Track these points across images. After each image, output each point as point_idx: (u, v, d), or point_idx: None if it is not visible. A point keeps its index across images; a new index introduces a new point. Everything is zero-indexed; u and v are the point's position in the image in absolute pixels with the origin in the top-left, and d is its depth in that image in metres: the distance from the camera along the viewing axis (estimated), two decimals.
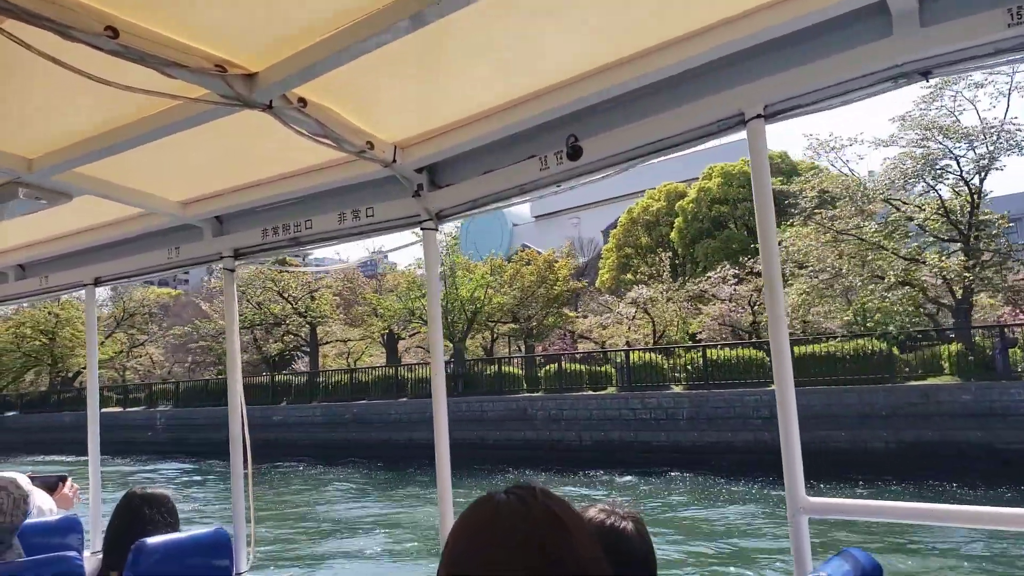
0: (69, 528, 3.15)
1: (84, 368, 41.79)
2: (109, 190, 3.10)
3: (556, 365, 26.59)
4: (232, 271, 3.59)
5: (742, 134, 2.14)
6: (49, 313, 42.74)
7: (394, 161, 2.74)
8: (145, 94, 2.01)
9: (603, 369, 25.70)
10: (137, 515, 2.66)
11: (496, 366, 28.40)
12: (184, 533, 2.66)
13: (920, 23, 1.84)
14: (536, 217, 58.26)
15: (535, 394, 25.78)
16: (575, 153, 2.42)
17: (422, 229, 2.95)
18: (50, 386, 45.18)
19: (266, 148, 2.82)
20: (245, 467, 3.39)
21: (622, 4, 1.97)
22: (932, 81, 2.28)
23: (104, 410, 34.42)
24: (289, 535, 14.64)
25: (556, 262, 33.61)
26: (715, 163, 33.42)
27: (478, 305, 30.11)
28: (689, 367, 23.76)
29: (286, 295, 35.32)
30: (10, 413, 42.46)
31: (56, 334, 43.13)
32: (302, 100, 2.28)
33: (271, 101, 2.17)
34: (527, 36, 2.11)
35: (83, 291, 4.20)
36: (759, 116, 2.08)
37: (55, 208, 3.10)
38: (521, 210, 59.74)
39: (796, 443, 1.99)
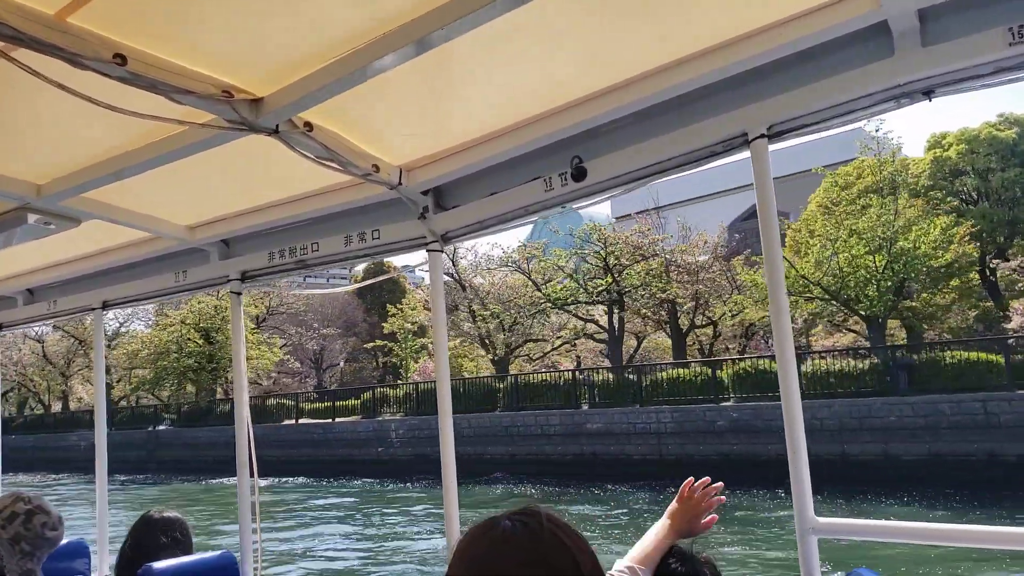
0: (75, 552, 3.21)
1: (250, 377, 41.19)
2: (117, 214, 3.11)
3: None
4: (239, 294, 3.57)
5: (746, 153, 2.12)
6: (215, 308, 39.18)
7: (400, 183, 2.73)
8: (153, 120, 2.05)
9: None
10: (151, 538, 2.66)
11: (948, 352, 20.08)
12: (191, 557, 2.65)
13: (922, 43, 1.84)
14: (617, 218, 56.22)
15: None
16: (580, 174, 2.41)
17: (428, 251, 2.92)
18: (208, 396, 41.33)
19: (272, 172, 2.84)
20: (252, 488, 3.37)
21: (625, 27, 1.97)
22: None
23: (305, 421, 34.19)
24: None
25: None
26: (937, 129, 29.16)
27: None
28: None
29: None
30: (161, 427, 40.32)
31: (219, 331, 39.26)
32: (308, 124, 2.29)
33: (277, 126, 2.20)
34: (531, 59, 2.12)
35: (92, 314, 4.22)
36: (763, 136, 2.08)
37: (63, 233, 3.13)
38: (598, 211, 58.10)
39: (804, 463, 1.96)
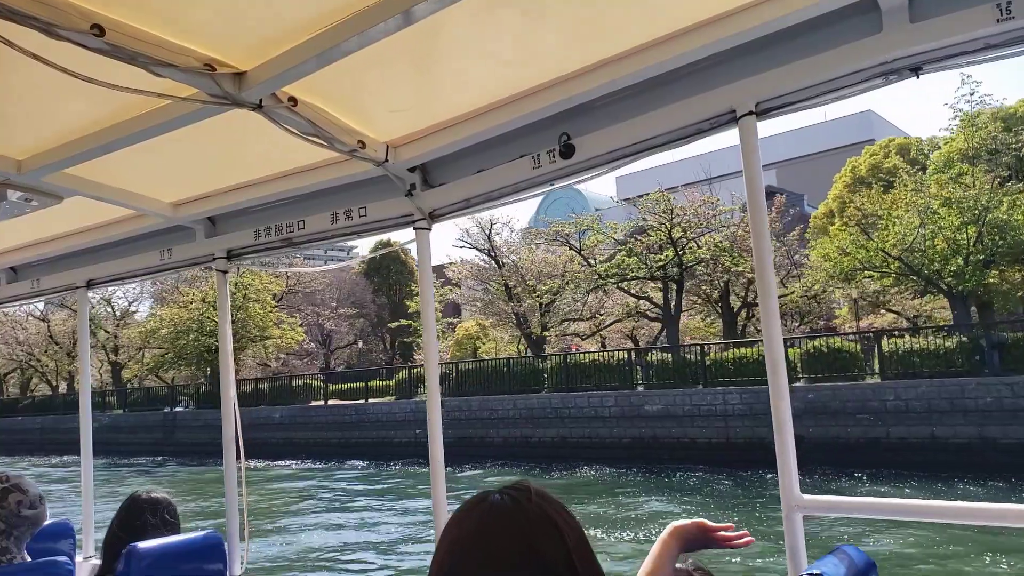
0: (60, 533, 3.20)
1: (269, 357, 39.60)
2: (100, 191, 3.05)
3: None
4: (225, 272, 3.53)
5: (734, 130, 2.12)
6: (235, 284, 36.87)
7: (386, 160, 2.70)
8: (133, 93, 2.01)
9: None
10: (138, 518, 2.65)
11: None
12: (177, 537, 2.64)
13: (910, 19, 1.83)
14: (623, 200, 55.42)
15: None
16: (568, 151, 2.39)
17: (415, 229, 2.88)
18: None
19: (257, 148, 2.78)
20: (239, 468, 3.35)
21: (612, 2, 1.94)
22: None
23: (335, 402, 32.94)
24: None
25: None
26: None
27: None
28: None
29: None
30: (179, 409, 38.71)
31: (240, 309, 37.31)
32: (292, 99, 2.26)
33: (261, 100, 2.16)
34: (519, 34, 2.09)
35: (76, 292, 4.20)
36: (751, 113, 2.07)
37: (46, 210, 3.12)
38: (606, 193, 57.48)
39: (790, 441, 1.98)
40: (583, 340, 33.74)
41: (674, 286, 25.74)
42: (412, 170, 2.78)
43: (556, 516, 0.99)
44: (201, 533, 2.68)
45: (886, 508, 2.07)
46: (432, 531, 2.83)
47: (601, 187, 69.98)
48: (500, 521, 0.98)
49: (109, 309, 48.09)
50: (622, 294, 28.03)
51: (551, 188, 2.59)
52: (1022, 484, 16.41)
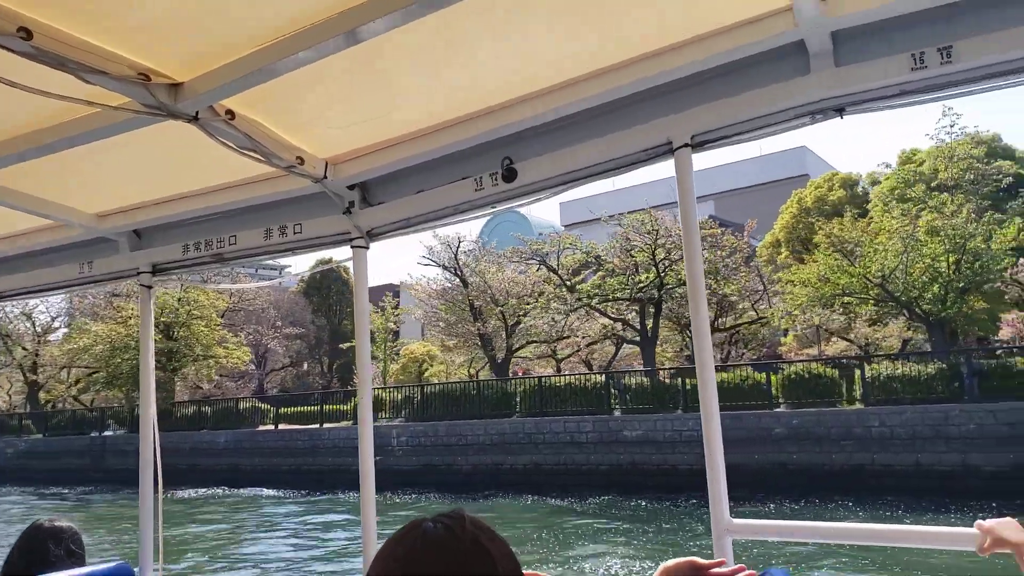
0: None
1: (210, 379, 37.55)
2: (15, 199, 2.89)
3: None
4: (149, 287, 3.39)
5: (670, 162, 2.17)
6: (179, 300, 35.74)
7: (325, 177, 2.65)
8: (61, 100, 1.94)
9: None
10: (40, 549, 2.49)
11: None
12: (83, 569, 2.47)
13: (835, 63, 1.93)
14: (566, 226, 55.99)
15: None
16: (510, 175, 2.41)
17: (352, 247, 2.83)
18: (168, 397, 37.06)
19: (190, 160, 2.69)
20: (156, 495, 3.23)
21: (557, 32, 1.98)
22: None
23: (287, 427, 31.12)
24: None
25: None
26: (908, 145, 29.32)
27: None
28: None
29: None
30: (108, 433, 36.17)
31: (184, 326, 35.81)
32: (230, 112, 2.20)
33: (197, 112, 2.10)
34: (464, 58, 2.10)
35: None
36: (686, 145, 2.12)
37: None
38: (549, 218, 59.83)
39: (721, 465, 2.00)
40: (530, 363, 33.14)
41: (651, 309, 25.40)
42: (351, 188, 2.74)
43: (489, 545, 0.97)
44: (109, 564, 2.52)
45: (817, 532, 2.07)
46: (361, 560, 2.78)
47: (544, 212, 70.62)
48: (432, 549, 0.95)
49: (28, 324, 44.58)
50: (595, 316, 27.53)
51: (493, 211, 2.60)
52: (1009, 510, 16.56)
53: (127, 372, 35.92)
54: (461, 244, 32.63)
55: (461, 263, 31.85)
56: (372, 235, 2.80)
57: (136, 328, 35.88)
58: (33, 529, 2.55)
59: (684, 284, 23.69)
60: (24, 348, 43.44)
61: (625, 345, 30.49)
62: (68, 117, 2.23)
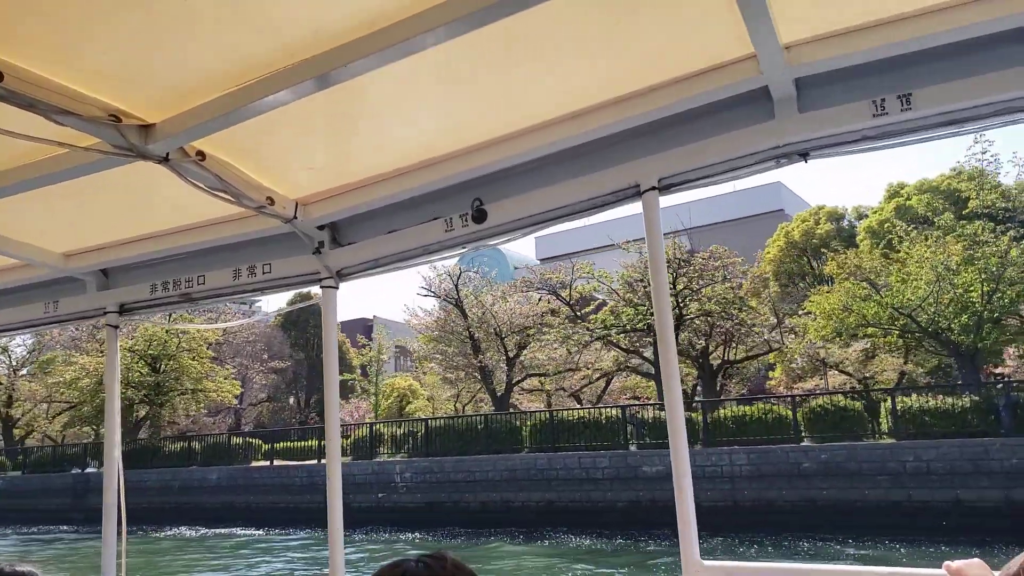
0: None
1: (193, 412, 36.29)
2: None
3: None
4: (116, 327, 3.33)
5: (638, 204, 2.21)
6: (167, 332, 34.01)
7: (295, 217, 2.65)
8: (29, 140, 1.95)
9: None
10: None
11: None
12: None
13: (798, 109, 1.98)
14: (542, 260, 55.68)
15: None
16: (480, 216, 2.43)
17: (322, 287, 2.84)
18: (155, 433, 35.67)
19: (159, 200, 2.69)
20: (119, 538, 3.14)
21: (524, 78, 2.02)
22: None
23: (282, 463, 29.98)
24: None
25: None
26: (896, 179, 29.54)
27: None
28: None
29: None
30: (91, 470, 34.01)
31: (174, 360, 34.49)
32: (200, 153, 2.21)
33: (168, 154, 2.10)
34: (433, 102, 2.13)
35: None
36: (654, 188, 2.16)
37: None
38: (524, 253, 59.92)
39: (691, 505, 1.99)
40: (521, 397, 32.28)
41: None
42: (321, 228, 2.75)
43: None
44: None
45: (787, 573, 2.05)
46: None
47: (519, 247, 70.19)
48: None
49: (3, 358, 42.83)
50: (606, 347, 26.72)
51: (463, 251, 2.61)
52: None
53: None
54: (461, 275, 31.85)
55: (461, 295, 30.99)
56: (342, 275, 2.81)
57: (123, 361, 34.50)
58: None
59: (706, 315, 23.07)
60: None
61: (616, 378, 29.81)
62: (38, 157, 2.22)
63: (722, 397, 25.06)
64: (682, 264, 23.47)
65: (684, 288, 23.59)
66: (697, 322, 23.72)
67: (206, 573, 19.00)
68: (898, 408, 19.87)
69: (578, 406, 28.17)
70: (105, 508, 3.13)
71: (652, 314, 22.28)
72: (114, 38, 1.71)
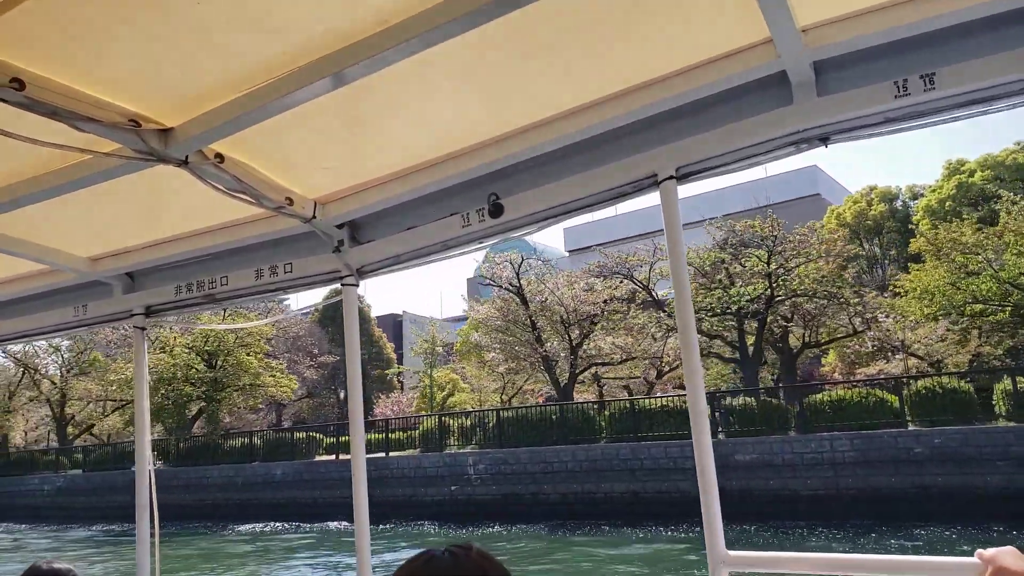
0: None
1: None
2: (11, 245, 2.96)
3: None
4: (143, 329, 3.43)
5: (655, 193, 2.19)
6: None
7: (314, 217, 2.70)
8: (54, 148, 1.99)
9: None
10: None
11: None
12: None
13: (817, 93, 1.95)
14: (570, 252, 54.27)
15: None
16: (497, 211, 2.45)
17: (342, 285, 2.87)
18: (214, 429, 35.32)
19: (181, 203, 2.76)
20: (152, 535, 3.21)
21: (538, 70, 2.03)
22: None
23: (347, 457, 29.84)
24: None
25: None
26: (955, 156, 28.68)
27: None
28: None
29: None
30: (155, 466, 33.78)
31: (231, 355, 34.35)
32: (219, 156, 2.25)
33: (187, 157, 2.14)
34: (448, 97, 2.15)
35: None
36: (671, 177, 2.15)
37: None
38: (553, 244, 59.59)
39: (715, 496, 2.00)
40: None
41: (753, 323, 23.57)
42: (340, 226, 2.77)
43: (492, 572, 1.01)
44: None
45: (814, 563, 1.91)
46: None
47: (547, 239, 69.22)
48: (439, 571, 1.00)
49: (55, 357, 43.00)
50: (675, 334, 25.71)
51: (481, 246, 2.60)
52: None
53: (173, 402, 34.23)
54: (523, 261, 31.05)
55: (523, 283, 30.17)
56: (362, 273, 2.83)
57: (181, 357, 34.35)
58: (31, 572, 2.44)
59: (797, 295, 21.89)
60: (53, 382, 41.85)
61: (666, 367, 28.80)
62: (61, 164, 2.26)
63: (817, 381, 23.89)
64: (778, 241, 22.34)
65: (779, 267, 22.43)
66: (786, 304, 22.57)
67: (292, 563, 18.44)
68: (1020, 389, 18.60)
69: (670, 394, 27.20)
70: (138, 508, 3.17)
71: (735, 296, 21.14)
72: (131, 45, 1.75)
